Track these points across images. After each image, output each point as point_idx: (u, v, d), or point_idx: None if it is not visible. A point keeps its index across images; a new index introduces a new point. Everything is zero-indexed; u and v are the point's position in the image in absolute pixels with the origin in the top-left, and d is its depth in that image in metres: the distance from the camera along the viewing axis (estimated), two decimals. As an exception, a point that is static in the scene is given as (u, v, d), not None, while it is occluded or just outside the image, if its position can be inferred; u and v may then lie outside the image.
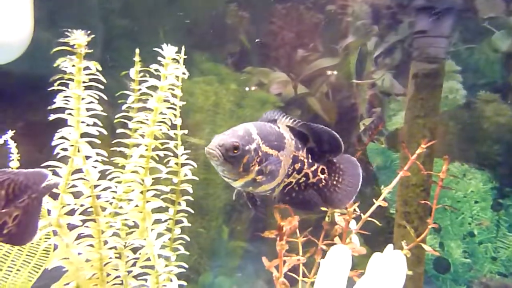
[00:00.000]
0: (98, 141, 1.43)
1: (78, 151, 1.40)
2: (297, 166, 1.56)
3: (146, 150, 1.62)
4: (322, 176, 1.61)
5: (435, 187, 2.62)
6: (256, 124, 1.49)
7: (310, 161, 1.59)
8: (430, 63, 2.51)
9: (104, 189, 1.52)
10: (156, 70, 1.90)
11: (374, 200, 1.91)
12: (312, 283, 1.92)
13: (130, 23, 3.27)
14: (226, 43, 3.48)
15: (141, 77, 1.82)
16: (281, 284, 1.70)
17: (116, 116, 1.84)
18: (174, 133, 1.78)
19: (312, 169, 1.59)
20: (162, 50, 1.66)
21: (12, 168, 1.50)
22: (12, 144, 1.75)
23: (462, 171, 3.48)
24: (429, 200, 2.54)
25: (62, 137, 1.38)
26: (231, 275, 3.43)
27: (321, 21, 3.47)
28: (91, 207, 1.49)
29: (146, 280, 1.77)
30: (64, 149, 1.39)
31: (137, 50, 1.86)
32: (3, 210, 1.24)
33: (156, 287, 1.63)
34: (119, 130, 1.84)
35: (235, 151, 1.36)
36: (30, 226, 1.30)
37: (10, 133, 1.77)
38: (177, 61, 1.67)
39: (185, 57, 1.75)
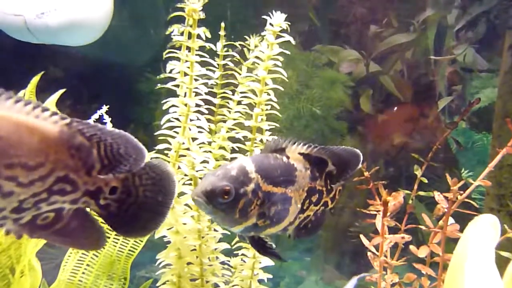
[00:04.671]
0: (206, 112, 1.41)
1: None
2: (314, 198, 1.34)
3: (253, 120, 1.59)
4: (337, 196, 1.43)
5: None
6: (255, 158, 1.26)
7: (329, 187, 1.38)
8: (531, 31, 2.28)
9: (202, 162, 1.50)
10: (241, 44, 1.88)
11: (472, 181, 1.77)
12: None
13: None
14: (294, 20, 3.37)
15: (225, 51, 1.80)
16: (382, 263, 1.61)
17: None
18: (261, 108, 1.74)
19: (331, 195, 1.40)
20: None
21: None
22: (107, 119, 1.77)
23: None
24: (525, 183, 2.33)
25: (173, 106, 1.36)
26: (299, 259, 3.38)
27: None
28: (190, 179, 1.48)
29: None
30: (177, 119, 1.38)
31: (223, 24, 1.83)
32: (100, 176, 1.00)
33: (253, 262, 1.61)
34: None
35: (226, 196, 1.14)
36: (140, 215, 1.08)
37: (105, 107, 1.79)
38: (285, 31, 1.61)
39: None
